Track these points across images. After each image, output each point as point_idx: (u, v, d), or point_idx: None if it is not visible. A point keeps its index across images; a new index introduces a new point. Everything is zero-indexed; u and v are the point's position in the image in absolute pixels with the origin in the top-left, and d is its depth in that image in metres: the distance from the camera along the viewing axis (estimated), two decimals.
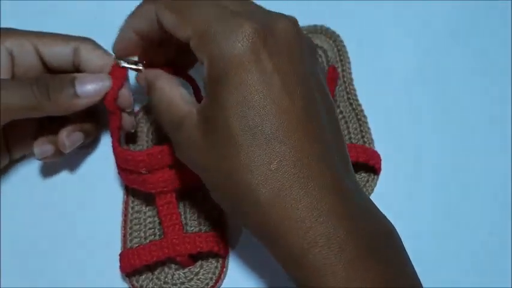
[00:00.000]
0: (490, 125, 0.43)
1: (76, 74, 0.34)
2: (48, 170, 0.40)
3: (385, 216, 0.28)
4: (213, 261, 0.36)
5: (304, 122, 0.26)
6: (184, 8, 0.28)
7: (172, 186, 0.34)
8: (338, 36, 0.44)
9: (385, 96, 0.43)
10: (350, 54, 0.44)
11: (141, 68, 0.34)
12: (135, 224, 0.37)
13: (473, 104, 0.44)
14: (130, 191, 0.38)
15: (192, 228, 0.37)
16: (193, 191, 0.37)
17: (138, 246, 0.35)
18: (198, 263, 0.36)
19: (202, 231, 0.36)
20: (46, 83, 0.32)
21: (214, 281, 0.35)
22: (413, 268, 0.28)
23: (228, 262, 0.37)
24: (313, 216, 0.25)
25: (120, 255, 0.35)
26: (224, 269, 0.36)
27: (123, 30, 0.33)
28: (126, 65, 0.34)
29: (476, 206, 0.40)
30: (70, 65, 0.35)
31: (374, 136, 0.41)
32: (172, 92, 0.30)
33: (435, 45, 0.46)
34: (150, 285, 0.35)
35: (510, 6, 0.47)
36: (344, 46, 0.44)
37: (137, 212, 0.37)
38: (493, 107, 0.44)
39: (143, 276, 0.35)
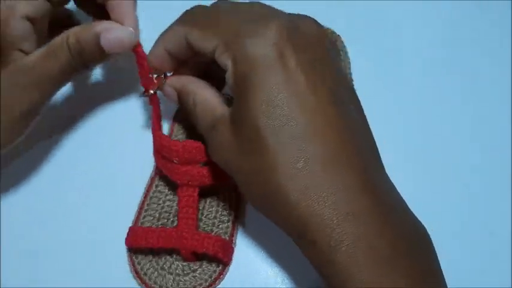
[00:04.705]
0: (491, 123, 0.43)
1: (101, 27, 0.33)
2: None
3: (416, 217, 0.27)
4: (214, 265, 0.36)
5: (332, 119, 0.26)
6: (211, 23, 0.29)
7: (197, 183, 0.34)
8: (338, 36, 0.43)
9: (385, 96, 0.43)
10: (350, 54, 0.43)
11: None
12: (153, 202, 0.37)
13: (476, 103, 0.44)
14: (159, 170, 0.38)
15: (204, 227, 0.37)
16: (216, 191, 0.37)
17: (149, 226, 0.36)
18: (200, 262, 0.36)
19: (214, 232, 0.36)
20: (80, 51, 0.32)
21: (208, 283, 0.35)
22: (442, 272, 0.27)
23: (227, 271, 0.36)
24: (341, 214, 0.25)
25: (130, 229, 0.36)
26: (221, 276, 0.36)
27: (155, 46, 0.33)
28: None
29: (477, 206, 0.40)
30: None
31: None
32: (205, 93, 0.31)
33: (435, 45, 0.46)
34: (148, 266, 0.35)
35: (510, 6, 0.48)
36: (344, 46, 0.43)
37: (159, 192, 0.38)
38: (493, 106, 0.44)
39: (143, 255, 0.36)
